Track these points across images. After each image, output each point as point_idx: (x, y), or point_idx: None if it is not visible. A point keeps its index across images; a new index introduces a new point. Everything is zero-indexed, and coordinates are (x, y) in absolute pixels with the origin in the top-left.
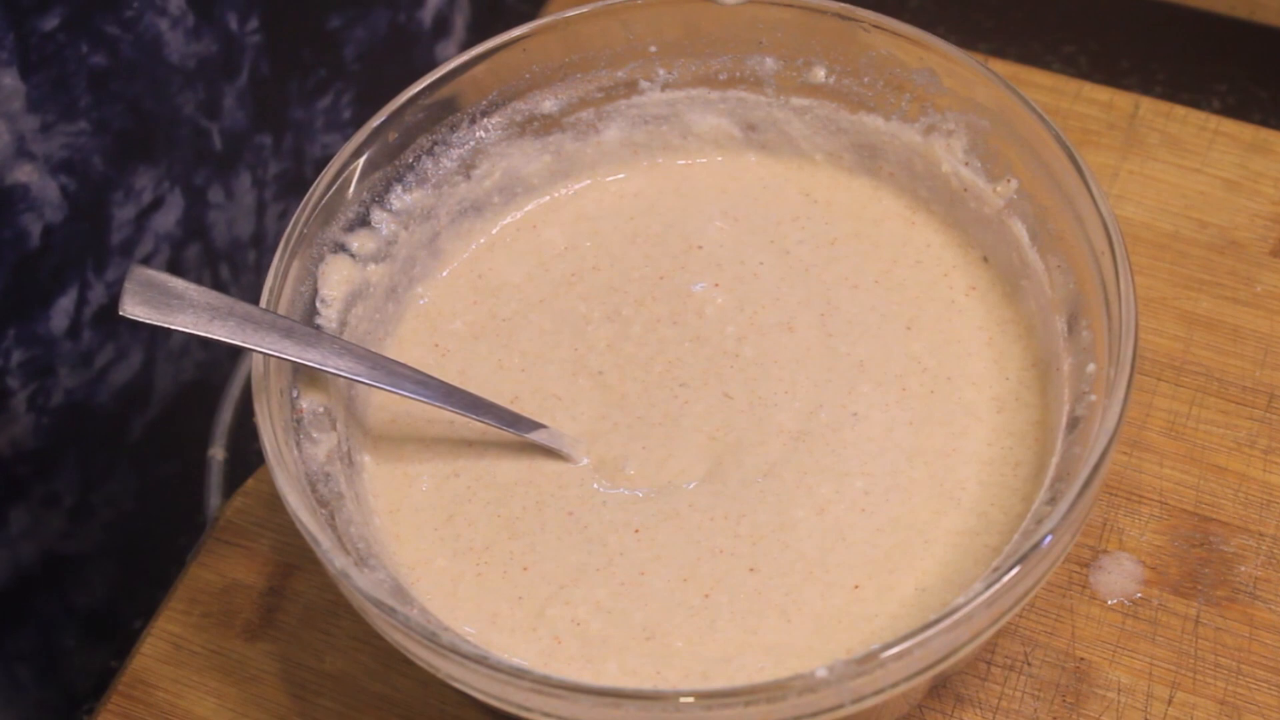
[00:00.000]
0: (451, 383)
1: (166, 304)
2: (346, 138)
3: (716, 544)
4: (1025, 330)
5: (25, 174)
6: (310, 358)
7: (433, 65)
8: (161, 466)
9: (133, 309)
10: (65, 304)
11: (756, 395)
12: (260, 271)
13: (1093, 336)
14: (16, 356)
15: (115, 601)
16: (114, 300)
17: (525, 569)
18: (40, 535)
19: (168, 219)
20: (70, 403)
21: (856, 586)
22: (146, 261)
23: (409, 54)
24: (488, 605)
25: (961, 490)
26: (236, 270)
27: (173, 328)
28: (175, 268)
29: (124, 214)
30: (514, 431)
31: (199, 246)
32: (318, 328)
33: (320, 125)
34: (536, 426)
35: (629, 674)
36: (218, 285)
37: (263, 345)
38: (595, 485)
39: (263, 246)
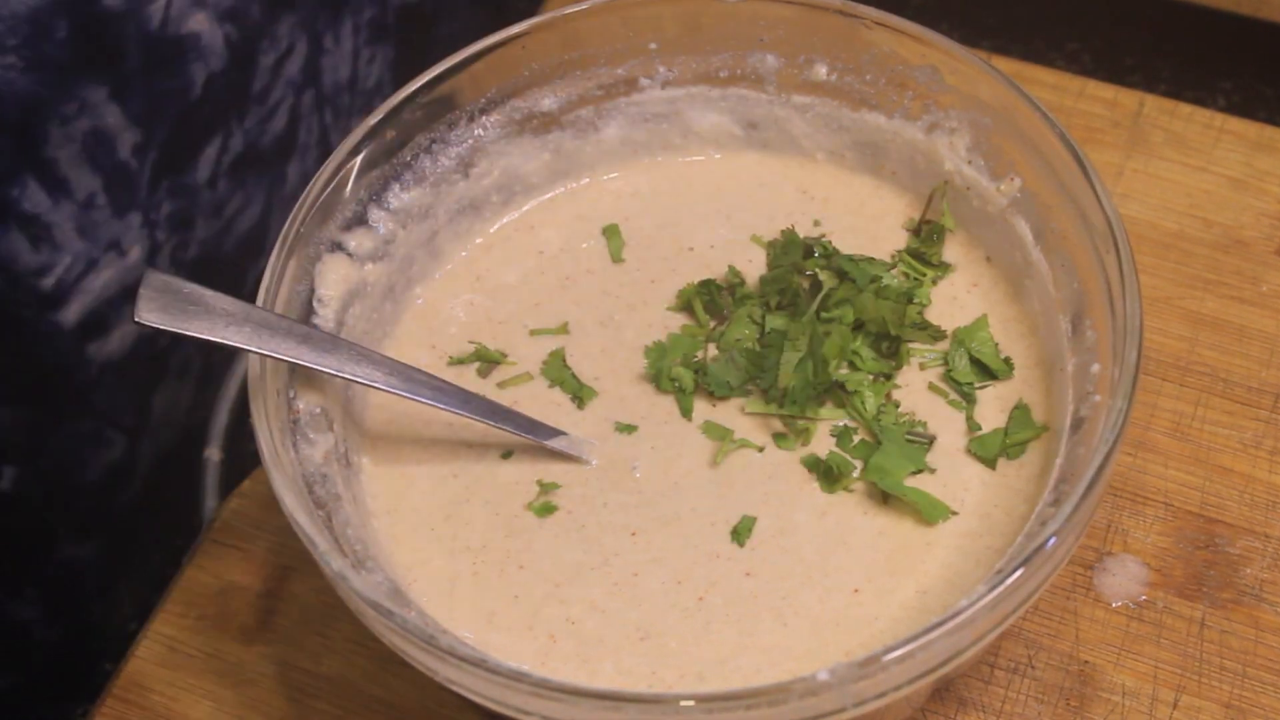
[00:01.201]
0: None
1: (182, 310)
2: None
3: (713, 548)
4: (1029, 329)
5: (198, 23)
6: (328, 364)
7: None
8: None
9: (148, 315)
10: (210, 153)
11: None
12: (355, 116)
13: (1097, 336)
14: (166, 209)
15: (239, 457)
16: (248, 148)
17: (521, 567)
18: (175, 414)
19: (294, 66)
20: (202, 255)
21: (856, 590)
22: (275, 109)
23: None
24: (484, 604)
25: (964, 491)
26: (337, 115)
27: (188, 334)
28: (294, 114)
29: (266, 61)
30: (533, 438)
31: (312, 92)
32: (315, 328)
33: None
34: (555, 433)
35: (624, 674)
36: (322, 129)
37: (280, 351)
38: (599, 486)
39: (355, 91)
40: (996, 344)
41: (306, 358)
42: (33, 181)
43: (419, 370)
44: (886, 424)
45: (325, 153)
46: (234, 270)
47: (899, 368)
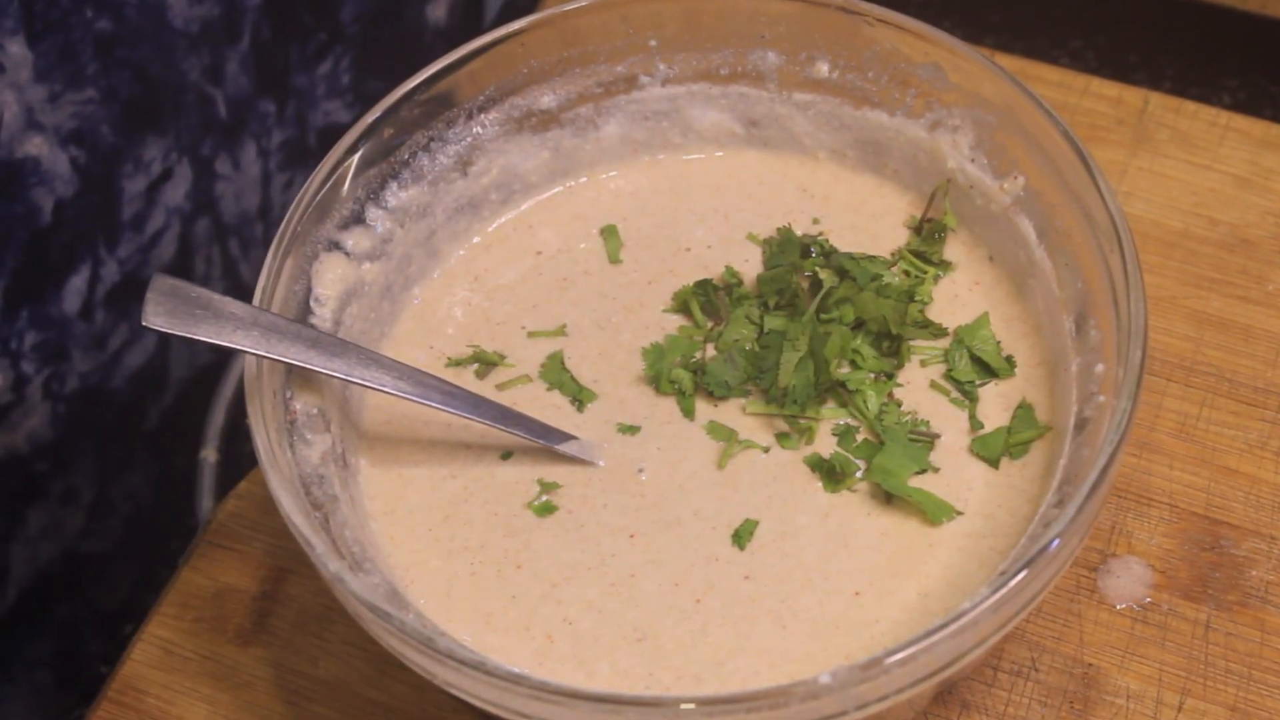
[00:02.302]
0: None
1: (190, 314)
2: (347, 105)
3: (712, 551)
4: (1032, 329)
5: (35, 146)
6: (337, 369)
7: (423, 27)
8: (178, 458)
9: (155, 319)
10: (78, 283)
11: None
12: (269, 246)
13: (1101, 336)
14: (30, 339)
15: (137, 602)
16: (127, 278)
17: (519, 566)
18: (60, 534)
19: (177, 192)
20: (85, 389)
21: (857, 593)
22: (158, 238)
23: (401, 15)
24: (482, 605)
25: (968, 491)
26: (245, 245)
27: (196, 338)
28: (186, 243)
29: (134, 186)
30: (544, 443)
31: (208, 220)
32: (312, 327)
33: (321, 92)
34: (566, 437)
35: (621, 674)
36: (227, 261)
37: (288, 356)
38: (600, 487)
39: (269, 219)
40: (998, 342)
41: (316, 362)
42: None
43: (428, 374)
44: (889, 424)
45: (234, 285)
46: (131, 408)
47: (900, 366)
